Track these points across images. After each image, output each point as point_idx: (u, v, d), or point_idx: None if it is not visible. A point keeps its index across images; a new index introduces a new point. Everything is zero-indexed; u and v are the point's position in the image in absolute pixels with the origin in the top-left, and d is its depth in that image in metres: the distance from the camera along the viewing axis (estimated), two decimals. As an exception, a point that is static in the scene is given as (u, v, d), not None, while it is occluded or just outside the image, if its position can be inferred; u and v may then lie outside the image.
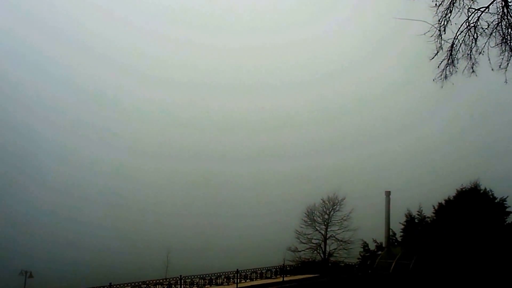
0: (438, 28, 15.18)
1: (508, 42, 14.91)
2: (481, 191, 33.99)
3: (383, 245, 39.57)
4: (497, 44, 15.10)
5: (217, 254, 62.44)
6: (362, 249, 42.75)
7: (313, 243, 50.17)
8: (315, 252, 49.72)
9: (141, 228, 71.05)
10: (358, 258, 43.69)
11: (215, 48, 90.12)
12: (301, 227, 50.74)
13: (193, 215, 73.63)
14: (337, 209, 50.46)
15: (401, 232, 38.55)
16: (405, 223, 38.21)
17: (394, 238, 39.00)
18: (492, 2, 14.64)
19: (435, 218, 36.07)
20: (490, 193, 33.78)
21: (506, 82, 15.19)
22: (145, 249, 62.85)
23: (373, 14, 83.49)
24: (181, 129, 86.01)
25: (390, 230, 38.93)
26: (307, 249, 50.00)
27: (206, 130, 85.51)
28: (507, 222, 33.33)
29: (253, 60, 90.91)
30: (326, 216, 50.65)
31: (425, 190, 52.97)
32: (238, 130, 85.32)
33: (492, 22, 14.92)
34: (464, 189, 34.57)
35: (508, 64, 14.95)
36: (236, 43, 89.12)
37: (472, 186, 34.29)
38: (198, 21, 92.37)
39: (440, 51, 15.41)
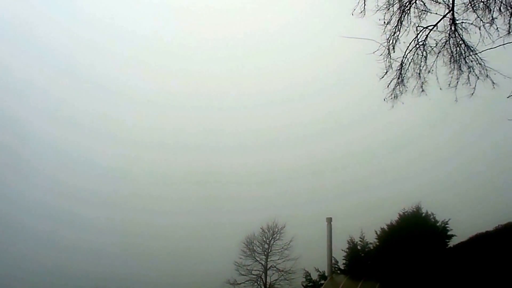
0: (387, 47, 14.85)
1: (457, 60, 14.73)
2: (423, 215, 33.91)
3: (326, 273, 38.66)
4: (445, 63, 14.92)
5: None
6: (304, 279, 41.67)
7: (253, 274, 48.94)
8: (256, 284, 48.49)
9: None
10: (301, 289, 42.71)
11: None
12: (240, 257, 49.62)
13: (128, 237, 71.29)
14: (277, 238, 49.77)
15: (343, 259, 37.80)
16: (347, 250, 37.51)
17: (337, 266, 38.20)
18: (440, 20, 14.45)
19: (378, 243, 35.62)
20: (432, 216, 33.75)
21: (456, 100, 14.95)
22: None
23: (318, 32, 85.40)
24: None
25: (333, 258, 38.10)
26: (247, 281, 48.72)
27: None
28: (449, 245, 33.40)
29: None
30: (266, 246, 49.74)
31: (368, 215, 53.22)
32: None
33: (440, 40, 14.76)
34: (406, 213, 34.42)
35: (457, 82, 14.75)
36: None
37: (414, 210, 34.20)
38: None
39: (390, 70, 15.10)
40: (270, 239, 49.86)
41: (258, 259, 49.29)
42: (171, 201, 77.83)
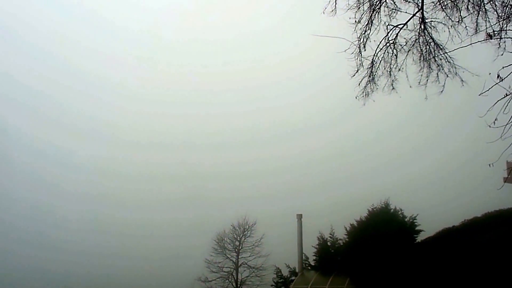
0: (358, 45, 14.90)
1: (426, 58, 14.89)
2: (392, 211, 34.47)
3: (297, 270, 38.90)
4: (415, 61, 15.07)
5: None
6: (275, 275, 41.84)
7: (224, 271, 48.95)
8: (227, 281, 48.44)
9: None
10: (272, 285, 42.77)
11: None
12: (211, 255, 49.52)
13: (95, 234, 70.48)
14: (248, 235, 49.87)
15: (314, 255, 38.11)
16: (317, 246, 37.84)
17: (307, 262, 38.47)
18: (409, 19, 14.57)
19: (347, 239, 36.06)
20: (400, 212, 34.35)
21: (426, 98, 15.11)
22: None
23: (289, 31, 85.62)
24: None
25: (303, 254, 38.36)
26: (218, 278, 48.66)
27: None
28: (417, 240, 34.03)
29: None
30: (237, 243, 49.80)
31: (338, 213, 53.52)
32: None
33: (410, 39, 14.88)
34: (375, 209, 34.91)
35: (427, 80, 14.89)
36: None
37: (383, 206, 34.71)
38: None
39: (361, 68, 15.15)
40: (241, 236, 49.94)
41: (229, 256, 49.32)
42: (142, 199, 77.19)
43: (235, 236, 49.98)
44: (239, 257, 49.06)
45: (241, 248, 49.37)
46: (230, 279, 48.38)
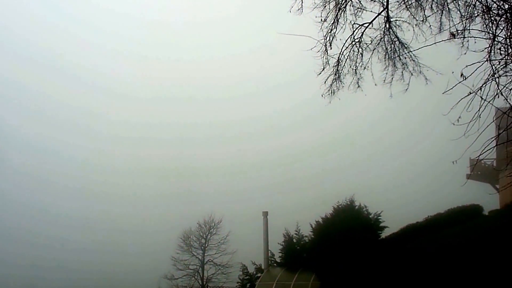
0: (324, 44, 14.98)
1: (391, 57, 15.10)
2: (356, 207, 34.92)
3: (263, 266, 39.03)
4: (380, 59, 15.25)
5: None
6: (241, 273, 41.90)
7: (190, 269, 48.87)
8: (193, 278, 48.39)
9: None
10: (238, 282, 42.83)
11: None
12: (177, 252, 49.37)
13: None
14: (214, 232, 49.88)
15: (279, 252, 38.31)
16: (283, 243, 38.05)
17: (273, 259, 38.64)
18: (375, 18, 14.73)
19: (312, 236, 36.40)
20: (364, 208, 34.82)
21: (391, 96, 15.34)
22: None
23: (255, 29, 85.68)
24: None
25: (269, 251, 38.52)
26: (184, 276, 48.57)
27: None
28: (381, 236, 34.58)
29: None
30: (203, 240, 49.76)
31: (304, 212, 53.80)
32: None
33: (375, 38, 15.06)
34: (340, 206, 35.33)
35: (392, 78, 15.11)
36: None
37: (348, 203, 35.13)
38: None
39: (327, 67, 15.24)
40: (207, 233, 49.92)
41: (195, 253, 49.29)
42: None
43: (201, 233, 49.97)
44: (205, 254, 49.09)
45: (207, 245, 49.40)
46: (196, 277, 48.36)
